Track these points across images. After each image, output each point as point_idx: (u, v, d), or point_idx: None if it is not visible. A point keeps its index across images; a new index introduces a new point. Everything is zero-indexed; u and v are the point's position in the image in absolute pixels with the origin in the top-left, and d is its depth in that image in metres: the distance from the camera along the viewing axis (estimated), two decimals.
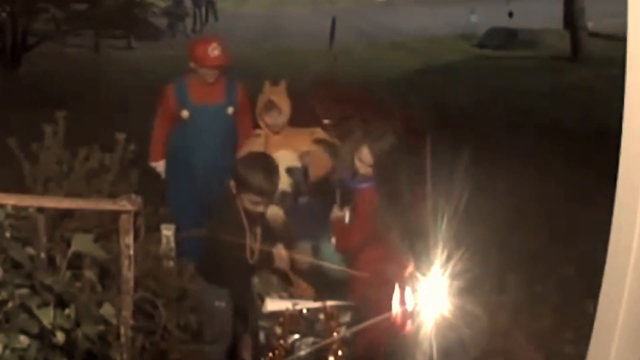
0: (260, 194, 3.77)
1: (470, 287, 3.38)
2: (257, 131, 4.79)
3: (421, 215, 3.55)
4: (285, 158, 4.52)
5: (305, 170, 4.57)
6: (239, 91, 5.10)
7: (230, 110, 5.03)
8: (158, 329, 3.31)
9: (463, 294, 3.10)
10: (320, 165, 4.56)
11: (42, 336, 2.28)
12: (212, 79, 4.96)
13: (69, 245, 2.69)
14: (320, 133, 4.70)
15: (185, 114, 4.95)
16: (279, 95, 4.70)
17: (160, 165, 5.10)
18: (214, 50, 4.90)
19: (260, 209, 3.84)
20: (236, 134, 5.04)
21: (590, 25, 16.60)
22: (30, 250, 2.47)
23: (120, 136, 3.98)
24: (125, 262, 3.15)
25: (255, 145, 4.65)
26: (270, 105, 4.67)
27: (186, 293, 3.59)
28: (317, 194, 4.50)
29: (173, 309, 3.42)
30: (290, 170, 4.51)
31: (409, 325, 3.36)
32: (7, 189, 3.03)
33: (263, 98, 4.72)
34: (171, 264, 3.71)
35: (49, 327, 2.27)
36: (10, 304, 2.27)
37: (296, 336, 3.44)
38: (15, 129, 4.14)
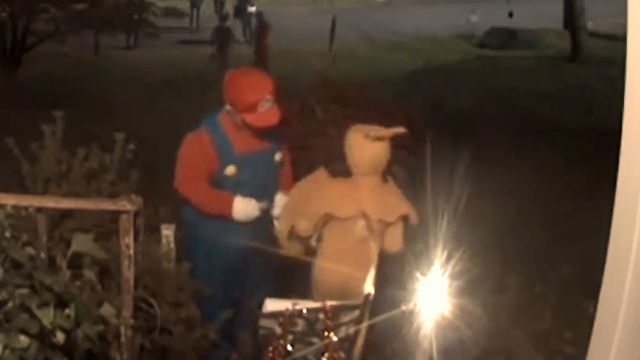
0: None
1: (470, 287, 3.38)
2: None
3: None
4: None
5: None
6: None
7: (277, 156, 3.68)
8: (156, 328, 3.31)
9: (463, 294, 3.10)
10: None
11: (42, 336, 2.28)
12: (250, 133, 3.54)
13: (69, 245, 2.69)
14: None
15: (231, 170, 3.56)
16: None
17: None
18: (265, 104, 3.41)
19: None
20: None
21: (590, 25, 16.61)
22: (30, 250, 2.47)
23: (120, 136, 3.97)
24: (125, 262, 3.15)
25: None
26: None
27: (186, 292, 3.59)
28: None
29: (172, 307, 3.42)
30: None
31: None
32: (7, 189, 3.04)
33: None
34: (171, 264, 3.70)
35: (49, 327, 2.27)
36: (10, 304, 2.27)
37: (296, 336, 3.44)
38: (15, 129, 4.13)
